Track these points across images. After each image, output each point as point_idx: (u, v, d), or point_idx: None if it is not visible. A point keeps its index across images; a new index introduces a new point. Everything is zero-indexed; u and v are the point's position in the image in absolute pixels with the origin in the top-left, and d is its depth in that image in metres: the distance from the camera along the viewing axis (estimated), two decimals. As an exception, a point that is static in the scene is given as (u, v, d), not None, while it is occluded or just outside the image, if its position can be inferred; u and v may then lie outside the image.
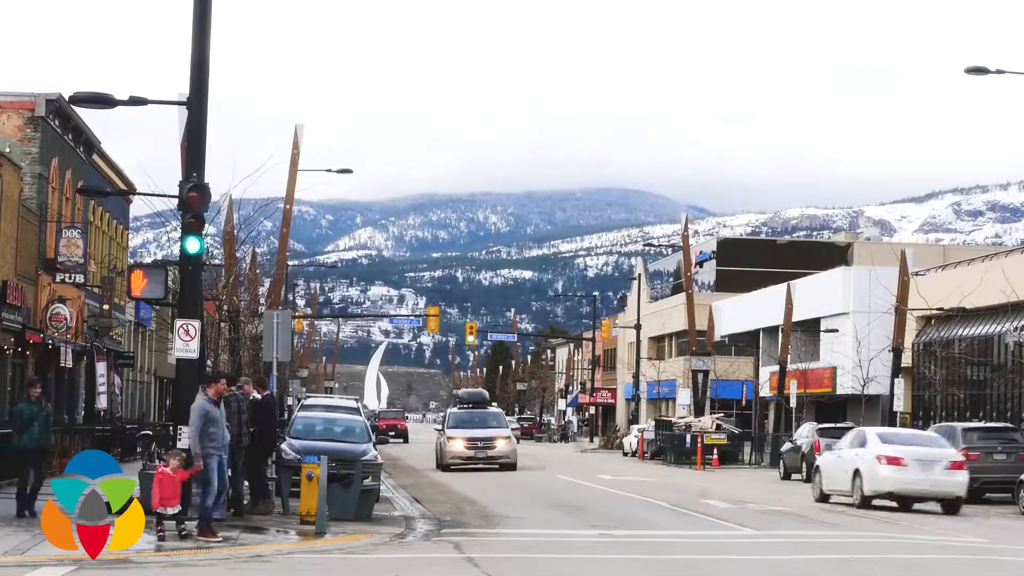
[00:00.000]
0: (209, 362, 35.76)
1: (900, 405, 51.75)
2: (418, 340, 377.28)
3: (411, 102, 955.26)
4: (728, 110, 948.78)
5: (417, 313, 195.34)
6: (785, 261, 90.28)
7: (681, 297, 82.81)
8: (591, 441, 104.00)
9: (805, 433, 51.26)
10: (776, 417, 67.71)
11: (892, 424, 52.21)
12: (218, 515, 23.06)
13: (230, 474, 24.61)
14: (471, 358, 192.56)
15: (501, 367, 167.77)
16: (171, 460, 20.74)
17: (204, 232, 23.16)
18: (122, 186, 55.52)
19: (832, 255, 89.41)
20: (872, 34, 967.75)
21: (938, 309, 53.23)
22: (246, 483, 26.00)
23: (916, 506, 33.29)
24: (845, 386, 61.32)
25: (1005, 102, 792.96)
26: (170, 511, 20.23)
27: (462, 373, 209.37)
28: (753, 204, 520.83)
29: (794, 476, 49.91)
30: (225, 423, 22.32)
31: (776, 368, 66.97)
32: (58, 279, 45.06)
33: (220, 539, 20.43)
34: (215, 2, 22.74)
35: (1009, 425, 42.66)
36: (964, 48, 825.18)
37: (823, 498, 35.43)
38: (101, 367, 47.62)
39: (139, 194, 37.31)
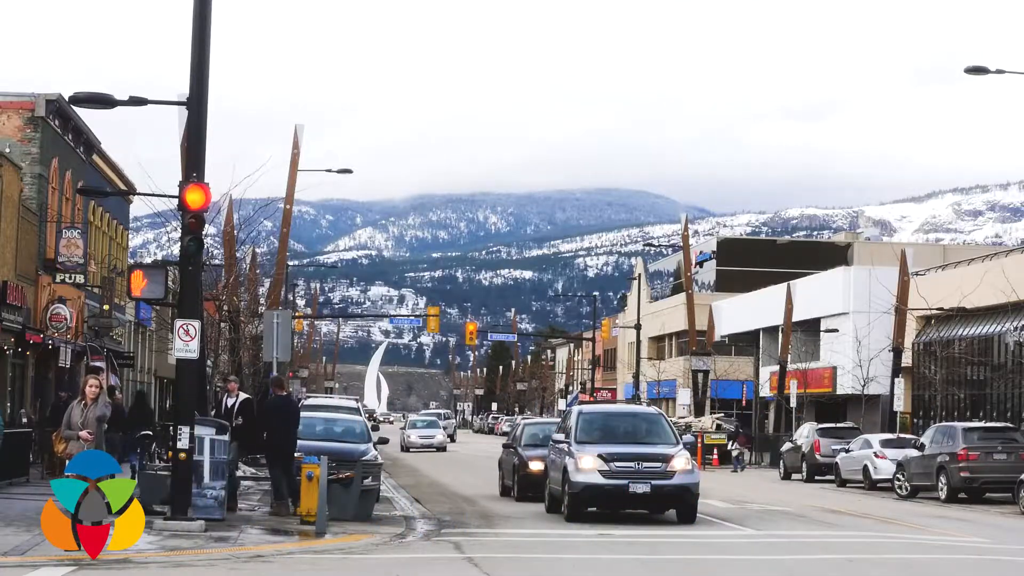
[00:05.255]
0: (209, 362, 35.81)
1: (900, 405, 51.77)
2: (418, 340, 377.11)
3: (411, 102, 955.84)
4: (728, 111, 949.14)
5: (417, 313, 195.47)
6: (785, 261, 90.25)
7: (681, 297, 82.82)
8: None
9: (805, 433, 51.29)
10: (776, 417, 67.73)
11: (892, 424, 52.29)
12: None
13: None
14: (471, 358, 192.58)
15: (501, 367, 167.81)
16: None
17: (204, 232, 23.14)
18: (122, 186, 55.49)
19: (832, 255, 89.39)
20: (872, 36, 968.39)
21: (938, 309, 53.23)
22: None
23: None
24: (845, 386, 61.34)
25: (1005, 102, 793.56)
26: None
27: (462, 373, 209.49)
28: (753, 204, 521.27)
29: (794, 476, 49.94)
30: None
31: (776, 368, 66.99)
32: (58, 279, 45.05)
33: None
34: (215, 1, 22.72)
35: (1009, 425, 42.64)
36: (964, 48, 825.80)
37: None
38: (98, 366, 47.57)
39: (139, 194, 37.32)
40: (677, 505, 26.84)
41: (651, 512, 27.54)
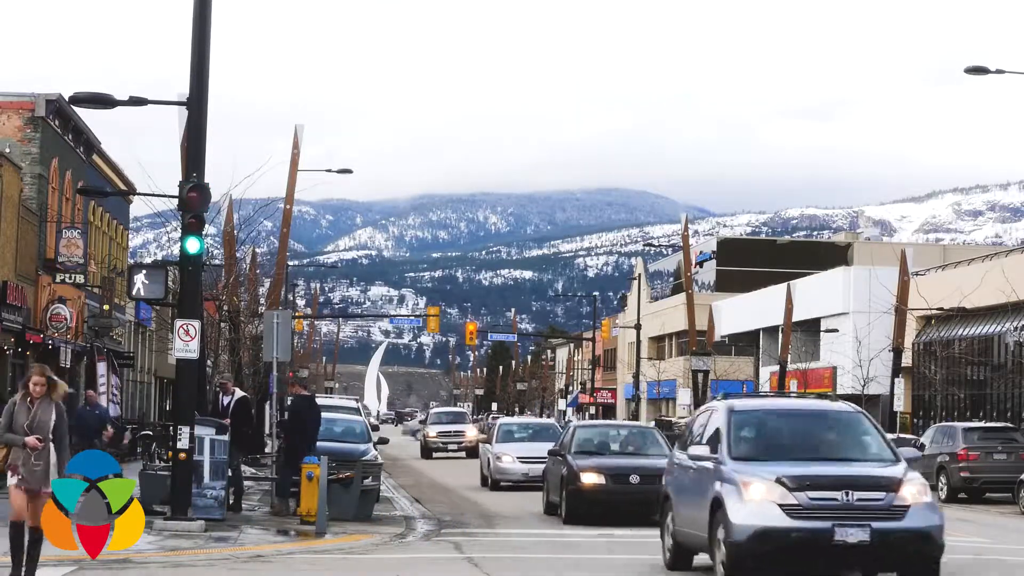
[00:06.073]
0: (209, 362, 35.78)
1: (900, 405, 51.76)
2: (418, 340, 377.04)
3: (412, 103, 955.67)
4: (728, 112, 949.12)
5: (417, 313, 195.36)
6: (785, 261, 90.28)
7: (681, 297, 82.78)
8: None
9: (805, 433, 51.22)
10: (776, 417, 67.62)
11: (892, 424, 52.26)
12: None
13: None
14: (471, 358, 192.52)
15: (501, 367, 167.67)
16: None
17: (204, 232, 23.15)
18: (122, 186, 55.49)
19: (832, 255, 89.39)
20: (872, 38, 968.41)
21: (938, 309, 53.21)
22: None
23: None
24: (845, 386, 61.31)
25: (1005, 102, 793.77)
26: None
27: (462, 373, 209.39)
28: (753, 204, 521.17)
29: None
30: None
31: (776, 368, 66.97)
32: (58, 279, 45.06)
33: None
34: (216, 1, 22.71)
35: (1009, 425, 42.66)
36: (965, 49, 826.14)
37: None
38: (101, 367, 47.60)
39: (139, 194, 37.29)
40: (912, 565, 16.75)
41: (866, 573, 16.80)
